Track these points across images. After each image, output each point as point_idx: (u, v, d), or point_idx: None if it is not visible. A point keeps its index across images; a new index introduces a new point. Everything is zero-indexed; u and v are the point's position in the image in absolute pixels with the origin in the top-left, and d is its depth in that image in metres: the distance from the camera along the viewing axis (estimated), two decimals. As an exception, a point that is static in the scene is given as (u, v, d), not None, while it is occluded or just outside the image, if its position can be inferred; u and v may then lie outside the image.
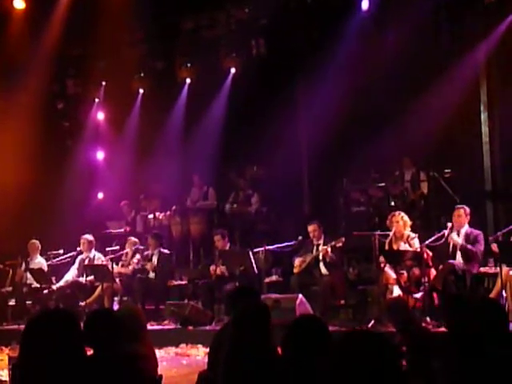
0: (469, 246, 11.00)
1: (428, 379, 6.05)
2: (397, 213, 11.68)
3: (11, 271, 14.92)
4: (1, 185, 15.60)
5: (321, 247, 12.36)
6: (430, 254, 11.22)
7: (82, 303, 13.42)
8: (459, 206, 11.51)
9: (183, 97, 16.18)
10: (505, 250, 10.85)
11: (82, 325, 4.35)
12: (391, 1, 13.11)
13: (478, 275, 11.16)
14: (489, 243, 11.27)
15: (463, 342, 5.49)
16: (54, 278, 14.38)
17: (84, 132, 17.13)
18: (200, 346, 11.01)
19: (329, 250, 12.04)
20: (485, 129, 13.50)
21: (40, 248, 14.84)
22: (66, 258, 14.78)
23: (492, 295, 10.67)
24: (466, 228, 11.24)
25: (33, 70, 15.71)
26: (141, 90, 16.48)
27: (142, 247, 14.18)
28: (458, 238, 11.09)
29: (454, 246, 11.18)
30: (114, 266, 13.79)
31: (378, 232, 12.26)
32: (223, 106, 15.53)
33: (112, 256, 14.07)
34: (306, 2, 13.81)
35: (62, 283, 14.15)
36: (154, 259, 13.87)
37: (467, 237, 11.16)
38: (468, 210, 11.35)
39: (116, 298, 13.54)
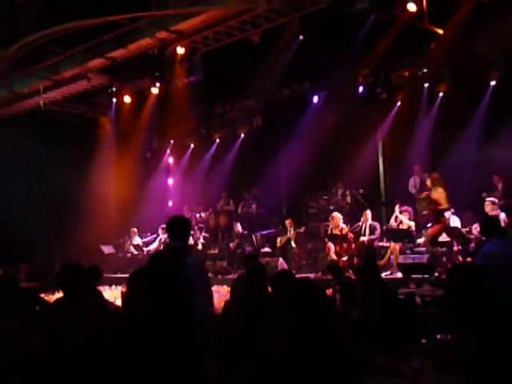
0: (373, 237, 11.14)
1: (352, 305, 6.10)
2: (334, 214, 11.72)
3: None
4: (114, 198, 15.76)
5: (292, 232, 12.46)
6: (352, 235, 11.28)
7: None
8: (366, 211, 11.56)
9: (213, 149, 16.09)
10: (392, 234, 10.99)
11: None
12: (332, 96, 13.18)
13: (377, 247, 11.24)
14: (383, 231, 11.38)
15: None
16: (145, 249, 14.48)
17: (161, 169, 17.12)
18: (225, 286, 10.97)
19: (292, 236, 12.28)
20: (381, 167, 13.59)
21: (137, 232, 14.94)
22: (151, 239, 14.89)
23: (386, 258, 10.75)
24: (369, 222, 11.30)
25: (135, 135, 15.86)
26: (191, 145, 16.45)
27: (192, 232, 14.25)
28: (365, 238, 11.21)
29: (364, 229, 11.25)
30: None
31: (324, 224, 12.35)
32: (237, 155, 15.48)
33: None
34: (283, 100, 13.90)
35: (149, 252, 14.25)
36: (201, 239, 13.96)
37: (370, 227, 11.24)
38: (369, 212, 11.42)
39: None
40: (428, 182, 10.59)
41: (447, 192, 10.29)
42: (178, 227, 4.73)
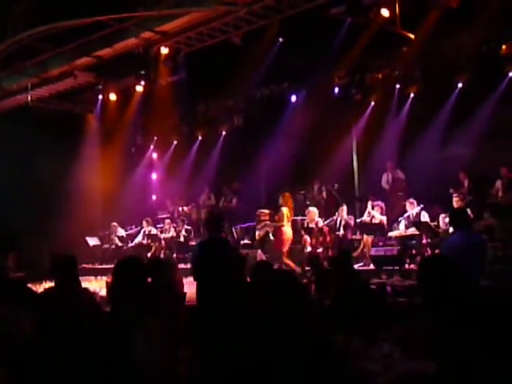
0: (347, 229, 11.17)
1: (326, 294, 6.14)
2: (310, 208, 11.70)
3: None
4: (100, 191, 15.61)
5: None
6: (328, 229, 11.31)
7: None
8: (342, 206, 11.60)
9: (195, 146, 15.89)
10: (365, 227, 11.06)
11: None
12: (309, 97, 13.19)
13: (351, 240, 11.31)
14: (357, 224, 11.43)
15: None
16: (129, 241, 14.37)
17: (145, 164, 16.96)
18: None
19: (270, 230, 12.11)
20: (355, 164, 13.65)
21: (117, 225, 14.79)
22: (135, 231, 14.76)
23: (359, 250, 10.83)
24: (344, 217, 11.33)
25: (120, 132, 15.66)
26: (175, 142, 16.25)
27: (174, 225, 14.17)
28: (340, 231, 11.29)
29: (339, 223, 11.29)
30: (161, 234, 13.84)
31: (300, 217, 12.35)
32: (219, 152, 15.36)
33: (160, 230, 14.07)
34: (262, 99, 13.88)
35: (133, 244, 14.14)
36: (183, 231, 13.86)
37: (345, 222, 11.29)
38: (345, 207, 11.46)
39: (162, 251, 13.49)
40: (280, 200, 10.68)
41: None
42: (217, 223, 5.98)
